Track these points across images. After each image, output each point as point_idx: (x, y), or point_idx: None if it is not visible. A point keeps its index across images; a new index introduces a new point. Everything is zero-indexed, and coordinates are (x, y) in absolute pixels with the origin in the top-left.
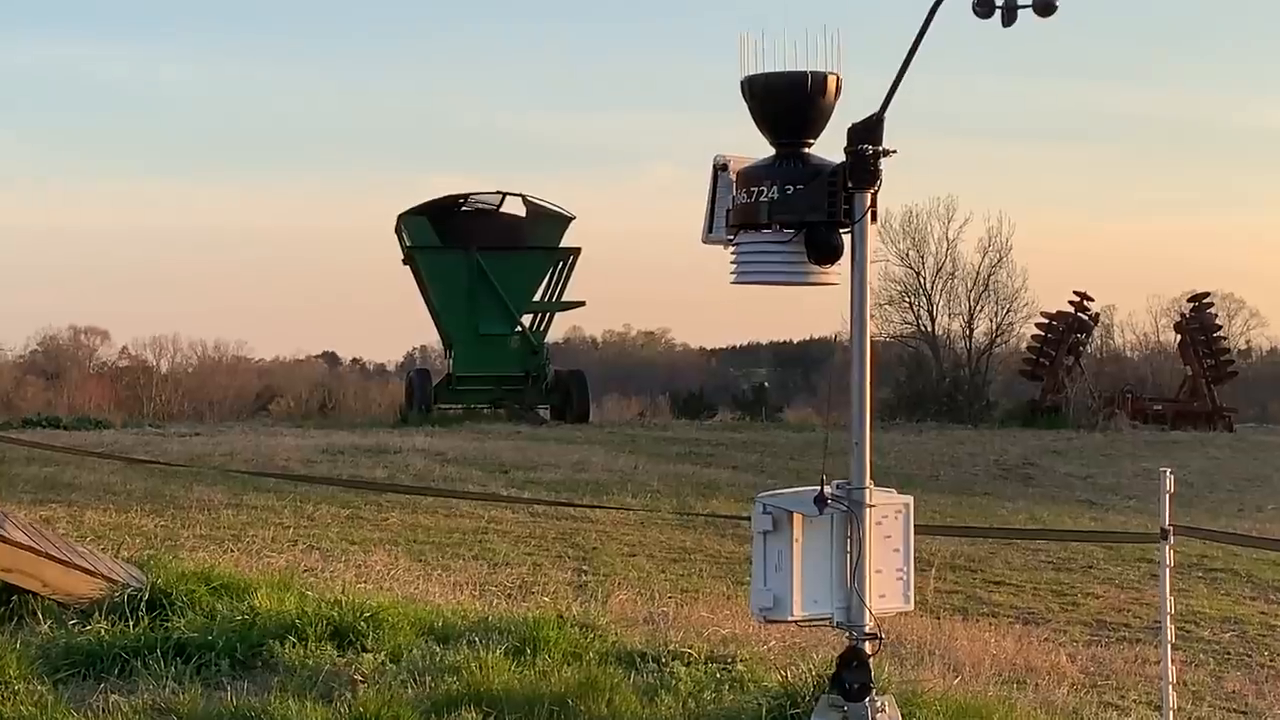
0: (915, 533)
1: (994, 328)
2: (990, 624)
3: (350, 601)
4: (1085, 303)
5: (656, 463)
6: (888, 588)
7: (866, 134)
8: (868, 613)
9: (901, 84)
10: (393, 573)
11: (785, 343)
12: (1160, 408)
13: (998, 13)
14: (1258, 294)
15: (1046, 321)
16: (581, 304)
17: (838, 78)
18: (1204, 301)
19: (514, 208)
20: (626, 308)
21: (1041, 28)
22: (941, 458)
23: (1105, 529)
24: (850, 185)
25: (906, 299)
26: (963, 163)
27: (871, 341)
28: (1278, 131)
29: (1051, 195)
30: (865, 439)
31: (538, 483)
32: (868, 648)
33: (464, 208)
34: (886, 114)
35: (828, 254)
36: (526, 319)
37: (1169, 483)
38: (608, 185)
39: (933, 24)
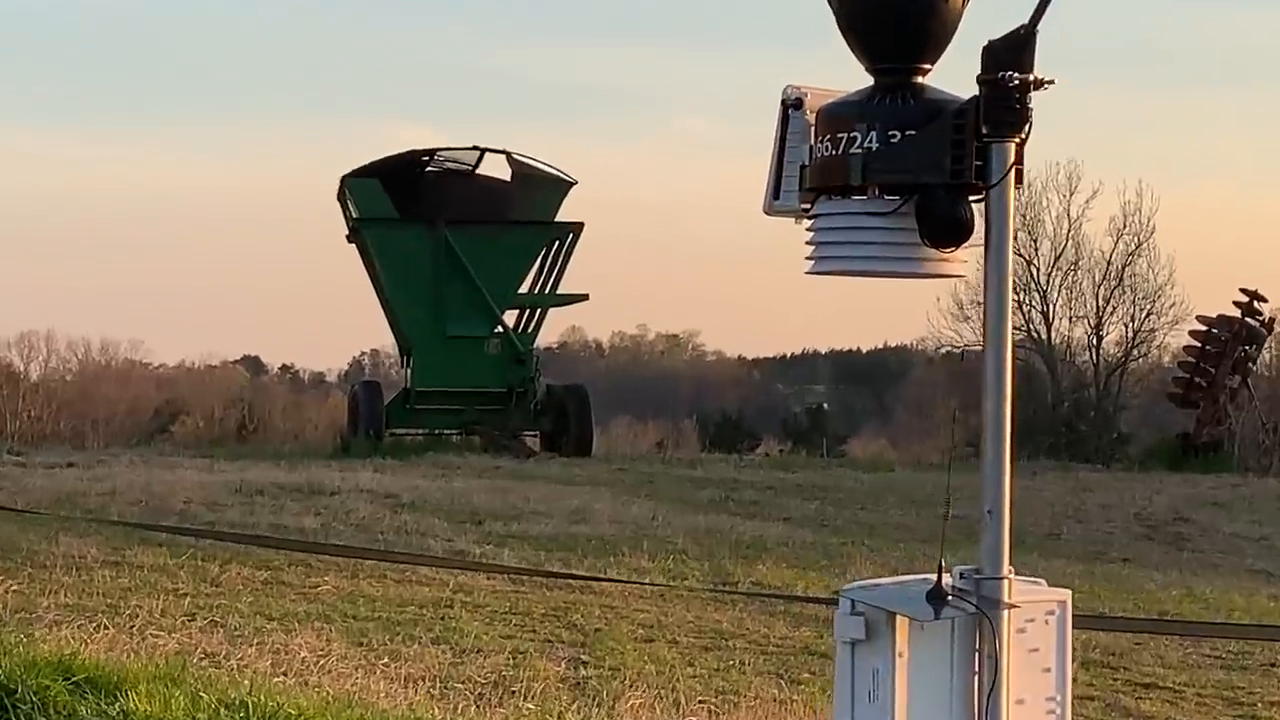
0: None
1: (1130, 336)
2: None
3: (261, 705)
4: (1256, 304)
5: (681, 512)
6: None
7: (1011, 55)
8: None
9: None
10: (323, 662)
11: (850, 352)
12: None
13: None
14: None
15: (1204, 329)
16: (584, 298)
17: None
18: None
19: (495, 169)
20: (643, 304)
21: None
22: (1063, 509)
23: None
24: (985, 131)
25: (1015, 297)
26: (1093, 114)
27: (968, 352)
28: None
29: (1212, 159)
30: (1003, 503)
31: (522, 538)
32: None
33: (429, 168)
34: (1040, 27)
35: (950, 231)
36: (510, 317)
37: None
38: (620, 141)
39: None
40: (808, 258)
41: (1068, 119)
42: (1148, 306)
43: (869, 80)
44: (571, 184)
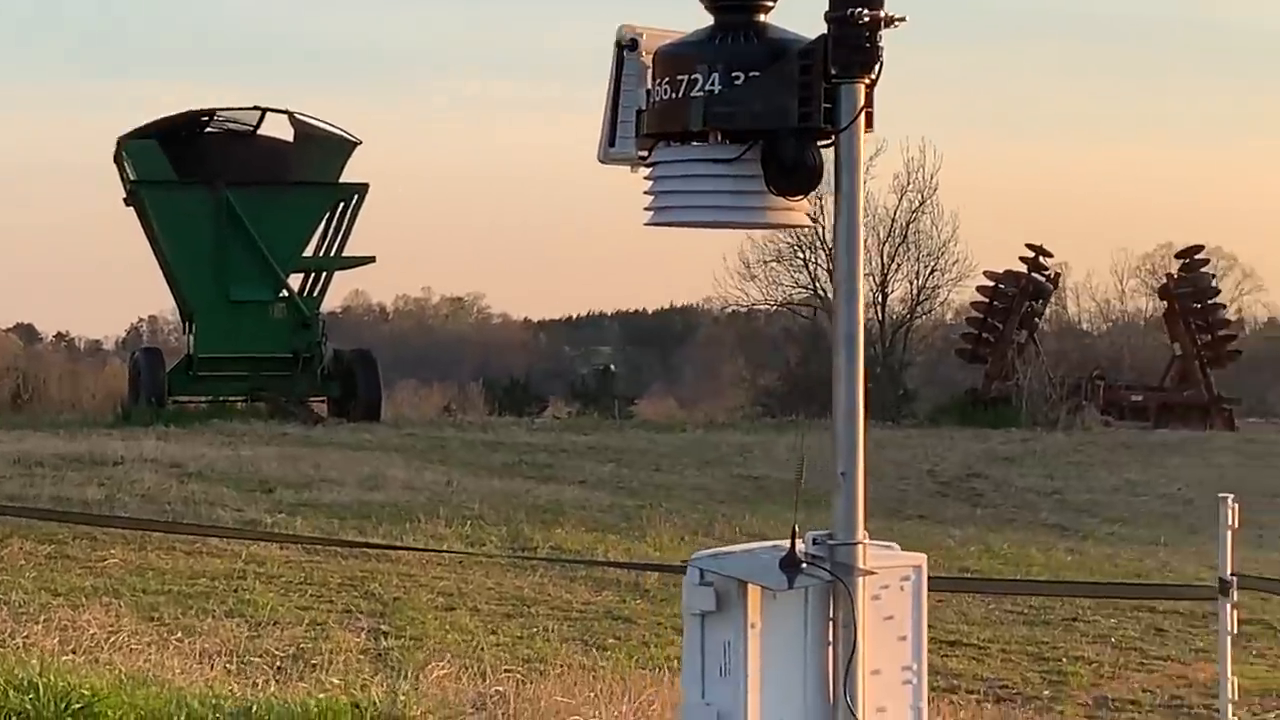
0: None
1: (915, 292)
2: (950, 705)
3: (52, 685)
4: (1042, 259)
5: (476, 476)
6: (890, 696)
7: None
8: None
9: None
10: (114, 639)
11: (637, 313)
12: (1141, 398)
13: None
14: (1253, 249)
15: (991, 285)
16: (370, 260)
17: None
18: (1196, 259)
19: (277, 129)
20: (427, 266)
21: None
22: None
23: (1083, 565)
24: (834, 72)
25: (799, 254)
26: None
27: (754, 310)
28: None
29: (993, 116)
30: (857, 465)
31: (315, 506)
32: None
33: (209, 129)
34: None
35: (798, 179)
36: (295, 281)
37: (1231, 515)
38: (400, 101)
39: None
40: (646, 208)
41: None
42: (931, 263)
43: (709, 19)
44: (355, 144)
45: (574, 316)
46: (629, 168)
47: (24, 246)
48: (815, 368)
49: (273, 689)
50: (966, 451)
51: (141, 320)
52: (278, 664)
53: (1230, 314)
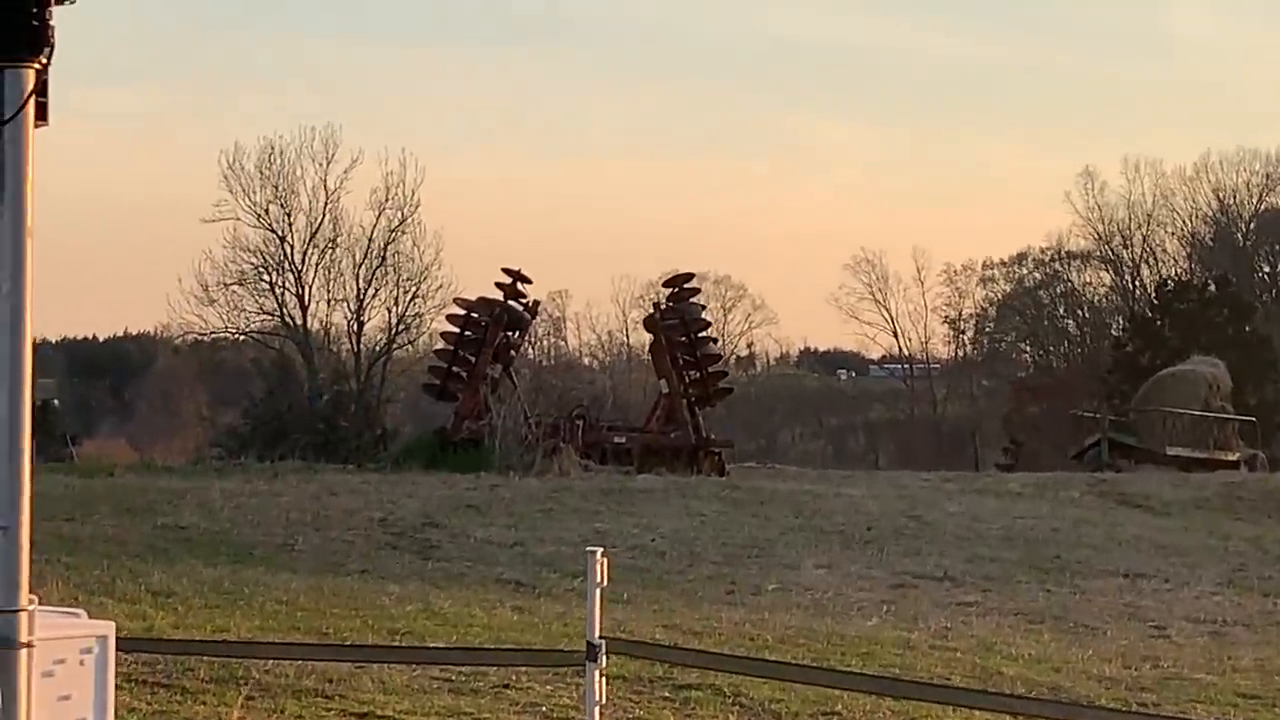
0: (221, 654)
1: (394, 321)
2: None
3: None
4: (520, 285)
5: None
6: None
7: None
8: None
9: None
10: None
11: (85, 340)
12: (624, 440)
13: None
14: (765, 279)
15: (463, 314)
16: None
17: None
18: (686, 287)
19: None
20: None
21: None
22: (304, 516)
23: (532, 628)
24: None
25: (266, 277)
26: (352, 73)
27: (218, 340)
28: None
29: (483, 126)
30: (21, 516)
31: None
32: None
33: None
34: None
35: None
36: None
37: (599, 568)
38: None
39: None
40: None
41: (325, 78)
42: (413, 288)
43: None
44: None
45: None
46: None
47: None
48: (283, 405)
49: None
50: (427, 499)
51: None
52: None
53: (733, 346)
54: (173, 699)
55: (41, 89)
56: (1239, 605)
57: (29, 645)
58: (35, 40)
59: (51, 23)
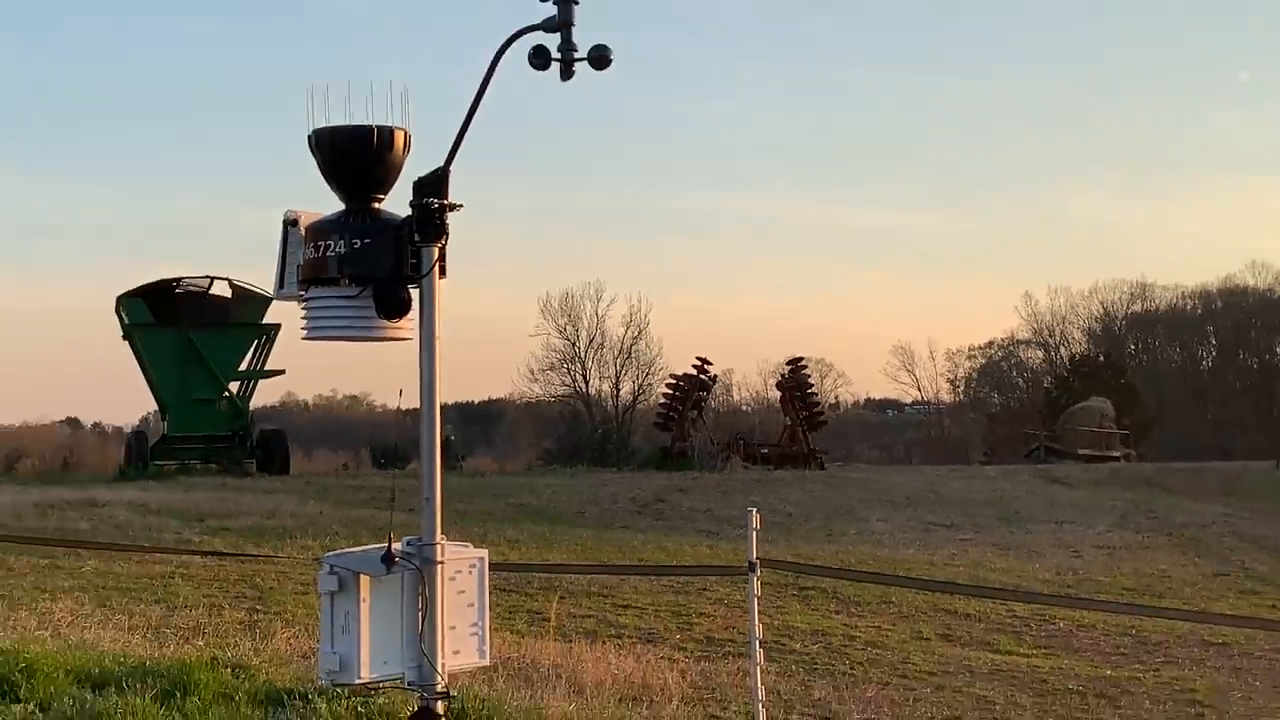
0: (546, 570)
1: (636, 388)
2: (615, 645)
3: (10, 650)
4: (705, 366)
5: (342, 508)
6: (462, 644)
7: (431, 188)
8: (438, 673)
9: (467, 137)
10: (75, 619)
11: (469, 403)
12: (766, 451)
13: (555, 65)
14: (844, 359)
15: (674, 382)
16: (281, 372)
17: (406, 133)
18: (799, 365)
19: (221, 290)
20: (333, 374)
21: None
22: (588, 496)
23: (718, 556)
24: (417, 239)
25: (565, 365)
26: (610, 253)
27: (540, 400)
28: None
29: (681, 278)
30: (436, 493)
31: (230, 529)
32: (439, 708)
33: (177, 290)
34: (453, 167)
35: (395, 308)
36: (234, 386)
37: (755, 520)
38: None
39: (491, 84)
40: (303, 328)
41: (597, 255)
42: (646, 370)
43: (341, 205)
44: (272, 299)
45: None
46: (295, 302)
47: (69, 361)
48: (575, 436)
49: (171, 650)
50: (657, 486)
51: (152, 413)
52: (184, 634)
53: (827, 398)
54: (519, 598)
55: (442, 257)
56: (1122, 538)
57: (441, 563)
58: (439, 232)
59: (448, 221)
